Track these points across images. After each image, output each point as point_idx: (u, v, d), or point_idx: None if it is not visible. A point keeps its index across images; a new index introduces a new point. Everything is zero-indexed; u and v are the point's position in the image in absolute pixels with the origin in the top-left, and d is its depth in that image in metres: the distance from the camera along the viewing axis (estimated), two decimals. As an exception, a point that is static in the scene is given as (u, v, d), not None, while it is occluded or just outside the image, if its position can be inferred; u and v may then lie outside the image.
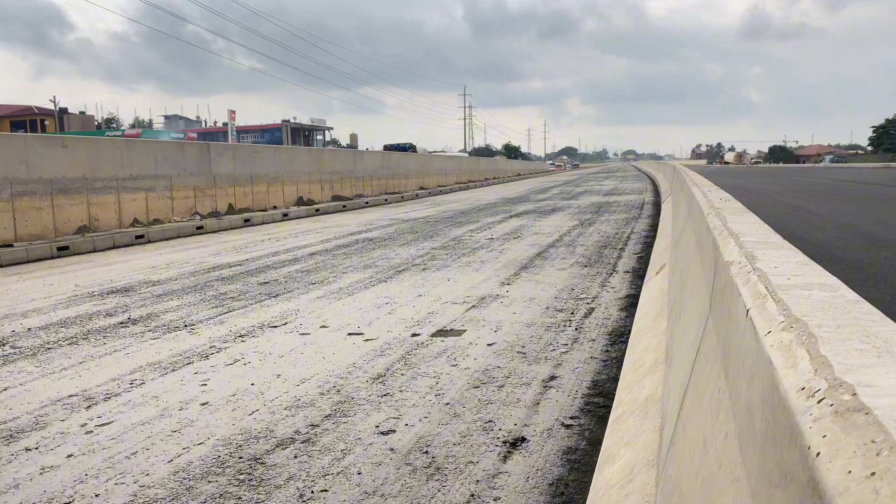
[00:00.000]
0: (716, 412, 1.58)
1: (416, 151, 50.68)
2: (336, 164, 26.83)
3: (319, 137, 78.42)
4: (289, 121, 72.41)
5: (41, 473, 3.43)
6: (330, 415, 4.12)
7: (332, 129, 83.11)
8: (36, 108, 60.76)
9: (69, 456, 3.63)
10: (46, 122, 58.70)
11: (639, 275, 8.73)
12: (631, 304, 6.98)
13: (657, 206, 20.80)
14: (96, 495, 3.17)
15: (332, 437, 3.78)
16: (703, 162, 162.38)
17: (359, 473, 3.33)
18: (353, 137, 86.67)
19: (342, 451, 3.59)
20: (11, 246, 11.97)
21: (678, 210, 9.18)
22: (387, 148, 54.12)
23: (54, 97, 61.66)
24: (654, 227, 14.47)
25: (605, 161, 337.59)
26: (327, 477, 3.30)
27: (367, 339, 5.86)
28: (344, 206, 23.84)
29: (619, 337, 5.78)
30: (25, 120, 58.70)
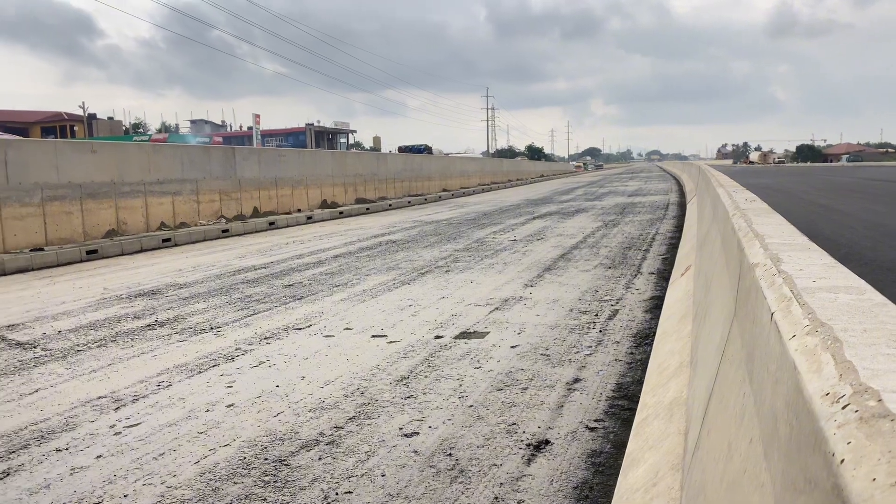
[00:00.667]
0: (740, 416, 1.57)
1: (431, 153, 50.78)
2: (359, 167, 26.95)
3: (343, 140, 78.86)
4: (312, 124, 72.90)
5: (71, 474, 3.49)
6: (354, 417, 4.15)
7: (355, 132, 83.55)
8: (66, 113, 61.83)
9: (98, 457, 3.69)
10: (76, 128, 59.71)
11: (664, 276, 8.66)
12: (656, 305, 6.93)
13: (682, 206, 20.62)
14: (125, 496, 3.22)
15: (357, 439, 3.81)
16: (729, 162, 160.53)
17: (382, 475, 3.34)
18: (377, 140, 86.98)
19: (366, 453, 3.61)
20: (42, 250, 12.20)
21: (703, 211, 9.10)
22: (401, 150, 54.30)
23: (83, 103, 62.72)
24: (678, 228, 14.35)
25: (630, 161, 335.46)
26: (351, 479, 3.32)
27: (391, 342, 5.89)
28: (367, 209, 23.94)
29: (644, 339, 5.74)
30: (55, 126, 59.78)
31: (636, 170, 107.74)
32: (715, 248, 4.38)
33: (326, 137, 74.23)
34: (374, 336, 6.10)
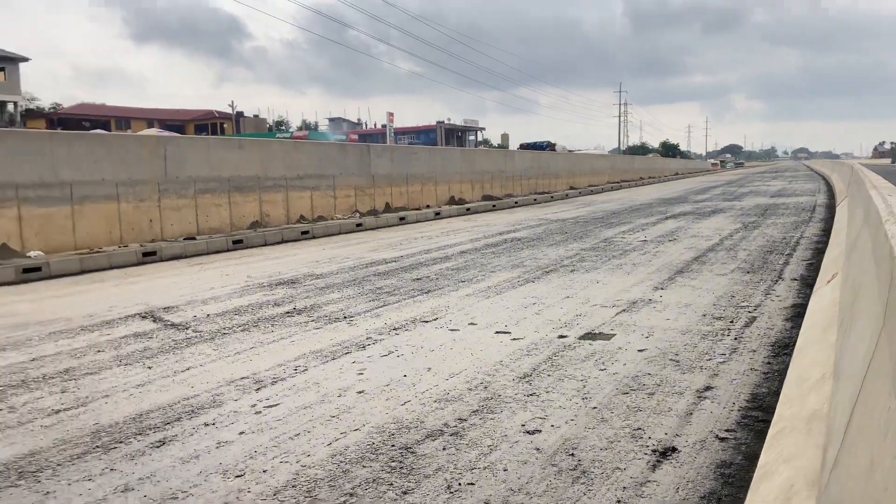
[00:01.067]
0: (885, 432, 1.48)
1: (554, 150, 50.07)
2: (487, 165, 27.14)
3: (472, 138, 79.61)
4: (443, 122, 74.09)
5: (217, 447, 3.79)
6: (477, 410, 4.22)
7: (484, 129, 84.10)
8: (216, 112, 66.53)
9: (241, 433, 3.98)
10: (225, 125, 64.03)
11: (807, 283, 8.14)
12: (797, 314, 6.54)
13: (831, 209, 19.23)
14: (264, 471, 3.46)
15: (479, 432, 3.87)
16: (887, 161, 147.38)
17: (504, 470, 3.39)
18: (505, 137, 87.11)
19: (489, 446, 3.67)
20: (194, 238, 13.20)
21: (854, 214, 8.46)
22: (523, 147, 53.91)
23: (232, 102, 67.17)
24: (826, 232, 13.41)
25: (774, 160, 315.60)
26: (474, 471, 3.39)
27: (515, 339, 5.92)
28: (494, 206, 24.06)
29: (783, 349, 5.44)
30: (207, 123, 64.43)
31: (780, 168, 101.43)
32: (865, 254, 4.08)
33: (456, 135, 75.23)
34: (497, 332, 6.15)
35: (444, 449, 3.65)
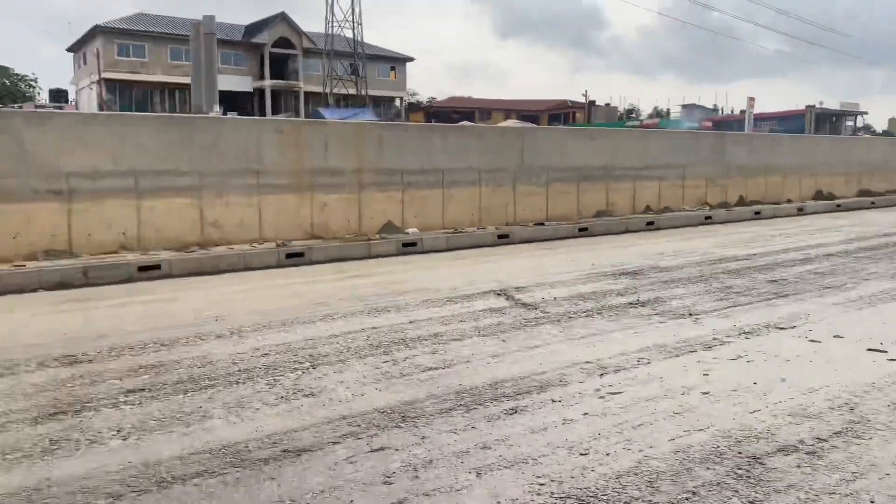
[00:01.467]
0: None
1: None
2: (866, 155, 23.71)
3: (849, 124, 70.02)
4: (814, 106, 66.43)
5: (563, 423, 4.03)
6: (840, 432, 3.83)
7: (865, 113, 73.33)
8: (569, 101, 68.76)
9: (585, 414, 4.17)
10: (577, 114, 65.84)
11: None
12: None
13: None
14: (607, 454, 3.60)
15: (842, 455, 3.52)
16: None
17: (871, 502, 3.05)
18: (893, 122, 74.86)
19: (853, 473, 3.32)
20: (543, 224, 13.93)
21: None
22: None
23: (585, 91, 68.72)
24: None
25: None
26: (833, 496, 3.11)
27: (892, 359, 5.19)
28: (873, 203, 20.97)
29: None
30: (560, 113, 66.97)
31: None
32: None
33: (829, 120, 66.95)
34: (869, 350, 5.45)
35: (797, 466, 3.41)
